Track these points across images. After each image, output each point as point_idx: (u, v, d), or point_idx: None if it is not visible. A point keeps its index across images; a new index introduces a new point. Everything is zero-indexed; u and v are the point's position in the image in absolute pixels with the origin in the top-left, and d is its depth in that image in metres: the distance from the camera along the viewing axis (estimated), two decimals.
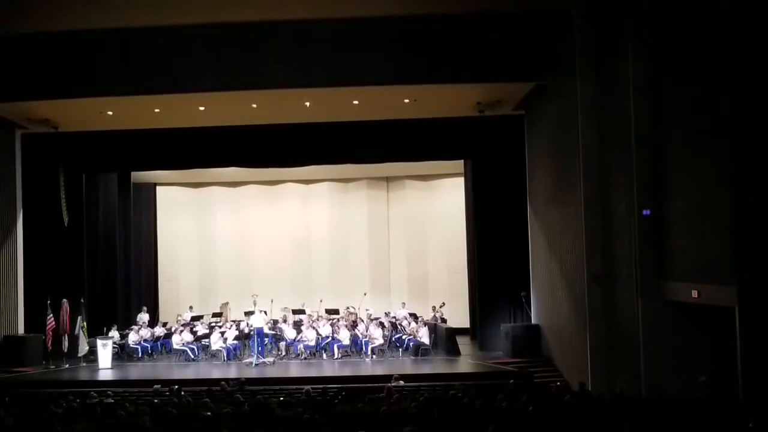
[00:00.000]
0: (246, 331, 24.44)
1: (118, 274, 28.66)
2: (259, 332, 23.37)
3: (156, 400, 15.41)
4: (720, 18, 14.27)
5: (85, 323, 23.93)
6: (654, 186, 17.05)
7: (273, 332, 24.95)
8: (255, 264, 31.53)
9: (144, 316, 26.96)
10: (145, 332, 25.31)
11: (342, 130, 24.95)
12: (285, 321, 25.73)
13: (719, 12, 14.29)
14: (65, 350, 23.72)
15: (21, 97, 21.69)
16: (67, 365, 23.45)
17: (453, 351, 24.24)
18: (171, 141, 25.46)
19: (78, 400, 14.86)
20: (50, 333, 23.58)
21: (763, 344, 13.62)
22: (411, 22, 20.80)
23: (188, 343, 24.55)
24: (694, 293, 15.36)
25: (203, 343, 24.66)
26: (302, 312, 26.38)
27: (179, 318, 26.98)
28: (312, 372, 22.34)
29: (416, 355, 23.86)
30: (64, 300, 23.91)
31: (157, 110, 22.96)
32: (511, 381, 16.92)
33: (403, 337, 24.67)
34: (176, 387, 17.02)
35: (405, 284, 31.10)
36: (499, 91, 22.30)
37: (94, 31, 20.84)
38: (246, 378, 19.45)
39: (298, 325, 25.22)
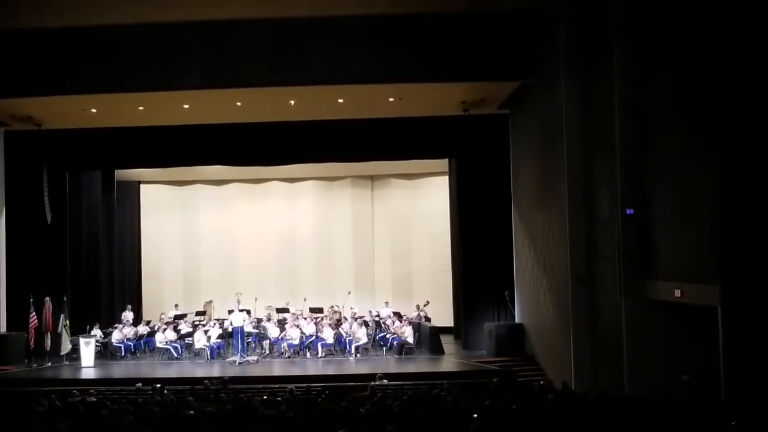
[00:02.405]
0: (229, 329, 24.37)
1: (101, 272, 28.53)
2: (240, 331, 23.32)
3: (139, 399, 15.38)
4: (705, 18, 14.32)
5: (68, 321, 23.86)
6: (637, 185, 17.11)
7: (256, 331, 24.93)
8: (239, 262, 31.45)
9: (128, 315, 26.79)
10: (129, 330, 25.24)
11: (327, 129, 24.91)
12: (269, 319, 25.67)
13: (704, 12, 14.34)
14: (48, 348, 23.63)
15: (3, 95, 21.55)
16: (50, 363, 23.38)
17: (437, 350, 24.27)
18: (155, 139, 25.37)
19: (60, 399, 14.81)
20: (33, 331, 23.48)
21: (745, 343, 13.67)
22: (396, 21, 20.76)
23: (171, 341, 24.51)
24: (677, 292, 15.40)
25: (187, 341, 24.63)
26: (286, 310, 26.36)
27: (163, 316, 26.92)
28: (296, 371, 22.32)
29: (400, 354, 23.89)
30: (47, 298, 23.82)
31: (141, 108, 22.88)
32: (495, 380, 16.91)
33: (387, 335, 24.68)
34: (159, 385, 16.98)
35: (389, 283, 31.11)
36: (483, 90, 22.33)
37: (78, 28, 20.70)
38: (229, 377, 19.43)
39: (282, 324, 25.20)
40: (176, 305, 28.06)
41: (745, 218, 13.78)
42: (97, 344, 24.11)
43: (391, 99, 22.69)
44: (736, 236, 13.80)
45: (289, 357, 23.87)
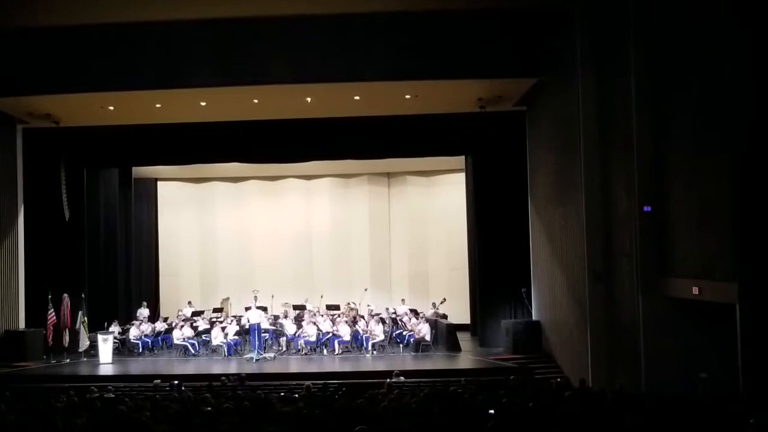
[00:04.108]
0: (246, 326, 24.41)
1: (118, 268, 28.62)
2: (256, 328, 23.36)
3: (156, 395, 15.43)
4: (721, 14, 14.27)
5: (85, 318, 23.96)
6: (655, 182, 17.06)
7: (273, 328, 24.96)
8: (256, 259, 31.51)
9: (144, 311, 26.92)
10: (146, 327, 25.32)
11: (343, 126, 24.94)
12: (286, 316, 25.71)
13: (720, 8, 14.29)
14: (66, 345, 23.74)
15: (22, 92, 21.69)
16: (68, 360, 23.49)
17: (454, 347, 24.28)
18: (172, 136, 25.47)
19: (78, 395, 14.88)
20: (51, 328, 23.59)
21: (763, 341, 13.64)
22: (412, 18, 20.78)
23: (189, 338, 24.57)
24: (695, 290, 15.37)
25: (204, 338, 24.68)
26: (303, 307, 26.38)
27: (180, 313, 27.00)
28: (312, 367, 22.35)
29: (417, 351, 23.88)
30: (65, 295, 23.92)
31: (158, 105, 22.95)
32: (512, 377, 16.92)
33: (404, 332, 24.68)
34: (177, 382, 17.04)
35: (406, 280, 31.09)
36: (500, 87, 22.29)
37: (95, 26, 20.82)
38: (246, 373, 19.49)
39: (298, 321, 25.22)
40: (189, 302, 28.16)
41: (762, 215, 13.74)
42: (115, 341, 24.18)
43: (407, 96, 22.68)
44: (754, 233, 13.77)
45: (305, 354, 23.90)
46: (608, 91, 18.79)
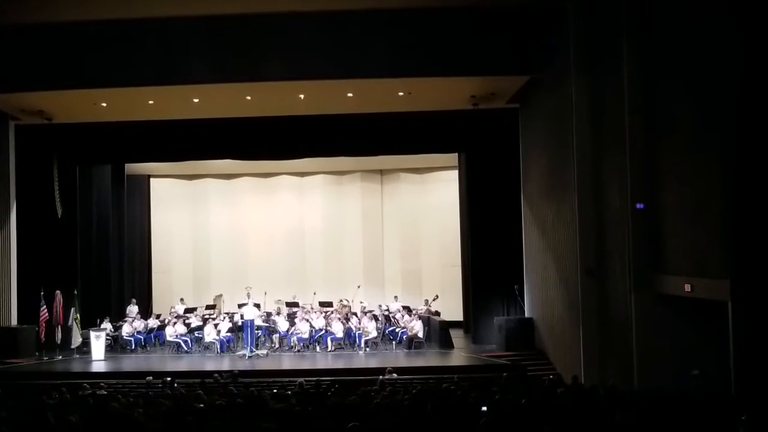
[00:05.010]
0: (239, 323, 24.40)
1: (111, 265, 28.54)
2: (250, 324, 23.34)
3: (149, 392, 15.42)
4: (715, 11, 14.28)
5: (78, 315, 23.95)
6: (648, 179, 17.08)
7: (266, 324, 24.95)
8: (249, 256, 31.50)
9: (133, 308, 26.89)
10: (139, 324, 25.29)
11: (336, 123, 24.92)
12: (278, 313, 25.70)
13: (714, 6, 14.30)
14: (58, 342, 23.72)
15: (14, 89, 21.61)
16: (60, 357, 23.45)
17: (446, 344, 24.27)
18: (165, 133, 25.42)
19: (71, 392, 14.85)
20: (43, 324, 23.56)
21: (755, 338, 13.66)
22: (405, 16, 20.76)
23: (182, 335, 24.55)
24: (687, 287, 15.39)
25: (197, 335, 24.66)
26: (296, 304, 26.38)
27: (173, 310, 26.96)
28: (305, 364, 22.36)
29: (409, 348, 23.89)
30: (58, 291, 23.92)
31: (151, 102, 22.92)
32: (505, 374, 16.91)
33: (397, 329, 24.68)
34: (169, 379, 17.02)
35: (399, 277, 31.12)
36: (493, 85, 22.29)
37: (88, 22, 20.75)
38: (239, 370, 19.46)
39: (291, 318, 25.21)
40: (182, 299, 28.21)
41: (755, 213, 13.77)
42: (108, 338, 24.18)
43: (400, 93, 22.68)
44: (746, 231, 13.79)
45: (298, 351, 23.89)
46: (601, 89, 18.80)
